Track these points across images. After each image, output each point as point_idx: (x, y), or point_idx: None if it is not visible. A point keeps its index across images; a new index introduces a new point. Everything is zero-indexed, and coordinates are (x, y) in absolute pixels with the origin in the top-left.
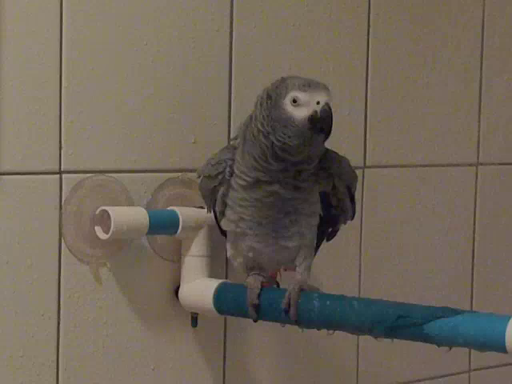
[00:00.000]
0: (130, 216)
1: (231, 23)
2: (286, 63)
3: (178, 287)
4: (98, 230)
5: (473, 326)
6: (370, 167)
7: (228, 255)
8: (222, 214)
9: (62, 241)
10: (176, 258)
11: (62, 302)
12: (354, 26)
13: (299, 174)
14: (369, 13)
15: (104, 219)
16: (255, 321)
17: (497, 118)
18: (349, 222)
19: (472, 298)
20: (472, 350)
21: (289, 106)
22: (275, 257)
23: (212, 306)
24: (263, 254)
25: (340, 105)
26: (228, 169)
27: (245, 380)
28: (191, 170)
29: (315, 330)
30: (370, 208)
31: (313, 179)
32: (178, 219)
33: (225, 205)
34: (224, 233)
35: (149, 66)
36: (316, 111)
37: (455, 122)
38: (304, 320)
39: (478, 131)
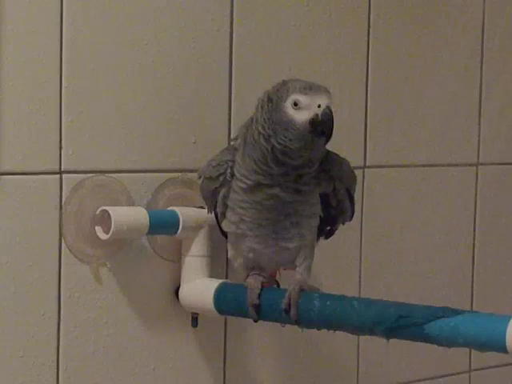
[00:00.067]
0: (131, 216)
1: (231, 23)
2: (286, 63)
3: (178, 287)
4: (99, 230)
5: (473, 326)
6: (370, 167)
7: (229, 256)
8: (223, 215)
9: (63, 241)
10: (176, 258)
11: (62, 302)
12: (354, 27)
13: (300, 178)
14: (369, 13)
15: (104, 219)
16: (255, 321)
17: (497, 118)
18: (347, 222)
19: (472, 298)
20: (472, 350)
21: (290, 109)
22: (275, 258)
23: (212, 306)
24: (263, 255)
25: (340, 105)
26: (229, 170)
27: (245, 380)
28: (191, 170)
29: (315, 329)
30: (370, 208)
31: (314, 182)
32: (179, 219)
33: (226, 206)
34: (225, 234)
35: (149, 66)
36: (317, 114)
37: (455, 122)
38: (304, 320)
39: (478, 131)
